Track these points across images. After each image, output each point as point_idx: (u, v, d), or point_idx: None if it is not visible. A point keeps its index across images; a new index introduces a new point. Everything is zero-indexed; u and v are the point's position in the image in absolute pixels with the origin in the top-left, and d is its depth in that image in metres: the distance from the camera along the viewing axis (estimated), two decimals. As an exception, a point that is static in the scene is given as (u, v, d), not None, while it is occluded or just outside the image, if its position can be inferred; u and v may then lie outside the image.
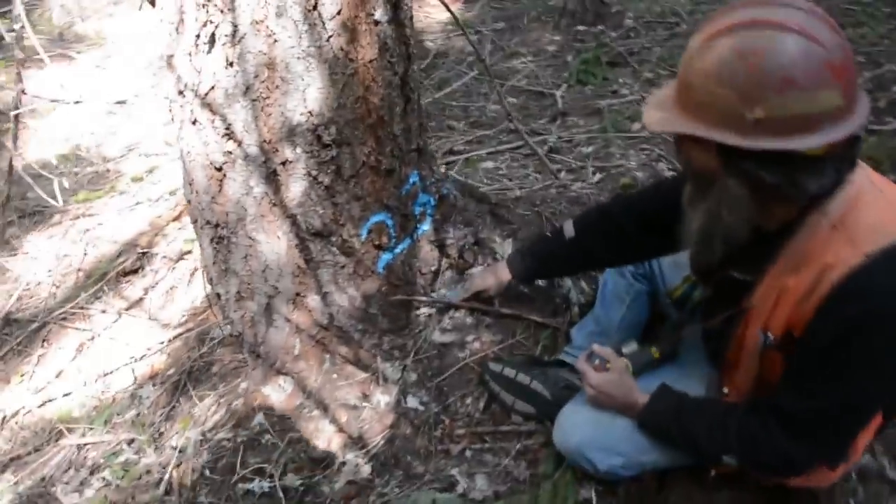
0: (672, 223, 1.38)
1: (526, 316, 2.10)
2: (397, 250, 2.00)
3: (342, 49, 1.66)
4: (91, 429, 2.49)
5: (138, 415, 2.52)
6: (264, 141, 1.75)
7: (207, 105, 1.73)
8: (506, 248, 2.30)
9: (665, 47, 4.59)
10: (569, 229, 1.87)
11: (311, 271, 1.93)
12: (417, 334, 2.06)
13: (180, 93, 1.78)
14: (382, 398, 1.97)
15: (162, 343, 2.81)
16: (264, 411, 2.04)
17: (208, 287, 2.22)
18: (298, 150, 1.76)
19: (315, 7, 1.59)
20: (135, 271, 3.30)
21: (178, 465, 2.08)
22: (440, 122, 4.27)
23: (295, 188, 1.81)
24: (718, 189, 1.21)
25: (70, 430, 2.49)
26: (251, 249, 1.93)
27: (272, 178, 1.80)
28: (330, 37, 1.63)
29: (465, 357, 2.02)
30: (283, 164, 1.78)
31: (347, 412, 1.97)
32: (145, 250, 3.36)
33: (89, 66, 5.58)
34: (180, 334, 2.81)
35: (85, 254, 3.52)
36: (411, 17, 1.85)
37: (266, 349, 2.08)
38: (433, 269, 2.12)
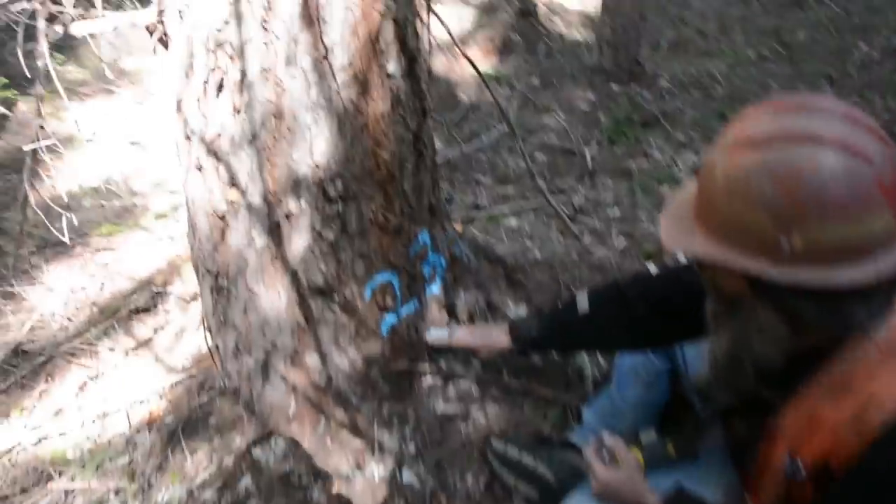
0: (696, 312, 1.22)
1: (536, 390, 1.94)
2: (403, 312, 1.87)
3: (352, 101, 1.56)
4: (82, 472, 2.39)
5: (130, 462, 2.41)
6: (268, 191, 1.65)
7: (213, 152, 1.65)
8: (519, 313, 2.16)
9: (700, 110, 4.47)
10: (583, 303, 1.69)
11: (311, 329, 1.81)
12: (419, 403, 1.91)
13: (187, 138, 1.70)
14: (377, 469, 1.82)
15: (164, 388, 2.71)
16: (253, 473, 1.90)
17: (208, 337, 2.12)
18: (303, 202, 1.65)
19: (325, 57, 1.50)
20: (147, 310, 3.22)
21: (159, 524, 1.94)
22: (467, 176, 4.18)
23: (298, 242, 1.70)
24: (747, 313, 1.05)
25: (60, 474, 2.38)
26: (251, 302, 1.82)
27: (275, 231, 1.70)
28: (340, 88, 1.54)
29: (468, 431, 1.86)
30: (287, 216, 1.68)
31: (339, 482, 1.81)
32: (160, 289, 3.29)
33: (129, 101, 5.64)
34: (183, 380, 2.70)
35: (101, 288, 3.46)
36: (428, 71, 1.76)
37: (261, 407, 1.95)
38: (441, 333, 1.99)
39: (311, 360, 1.85)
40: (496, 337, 1.83)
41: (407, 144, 1.72)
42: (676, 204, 1.14)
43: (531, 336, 1.78)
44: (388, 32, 1.55)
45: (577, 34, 6.52)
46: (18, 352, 3.11)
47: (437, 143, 4.68)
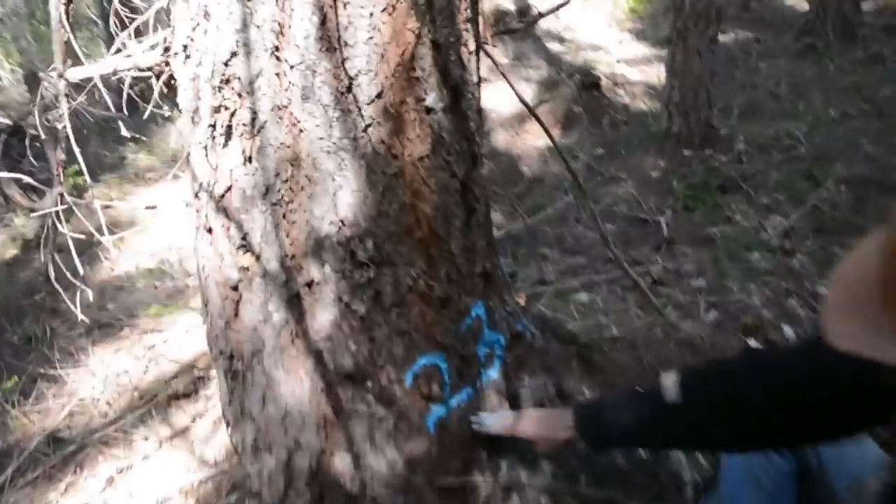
0: (838, 409, 0.88)
1: (620, 501, 1.51)
2: (453, 403, 1.49)
3: (383, 142, 1.25)
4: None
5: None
6: (286, 255, 1.34)
7: (223, 210, 1.36)
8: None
9: (782, 171, 4.02)
10: (671, 389, 1.21)
11: (341, 424, 1.45)
12: (475, 518, 1.51)
13: (196, 195, 1.42)
14: None
15: (192, 484, 2.39)
16: None
17: (228, 430, 1.80)
18: (327, 268, 1.33)
19: (350, 89, 1.20)
20: (188, 395, 2.95)
21: None
22: (531, 250, 3.83)
23: (322, 317, 1.37)
24: None
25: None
26: (269, 391, 1.48)
27: (295, 303, 1.37)
28: (368, 126, 1.23)
29: (536, 557, 1.44)
30: (309, 285, 1.35)
31: None
32: (202, 373, 3.01)
33: (194, 184, 5.61)
34: (215, 475, 2.37)
35: (144, 372, 3.22)
36: (479, 108, 1.44)
37: (282, 517, 1.58)
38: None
39: (341, 461, 1.48)
40: (560, 428, 1.36)
41: (453, 195, 1.38)
42: (842, 292, 0.75)
43: (603, 432, 1.31)
44: (426, 57, 1.24)
45: (643, 105, 6.22)
46: (54, 439, 2.88)
47: (499, 217, 4.38)
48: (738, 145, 4.46)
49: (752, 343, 2.12)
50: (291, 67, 1.19)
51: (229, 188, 1.33)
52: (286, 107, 1.22)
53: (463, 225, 1.41)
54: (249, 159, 1.28)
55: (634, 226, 3.88)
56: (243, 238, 1.36)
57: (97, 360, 3.38)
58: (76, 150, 1.64)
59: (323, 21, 1.16)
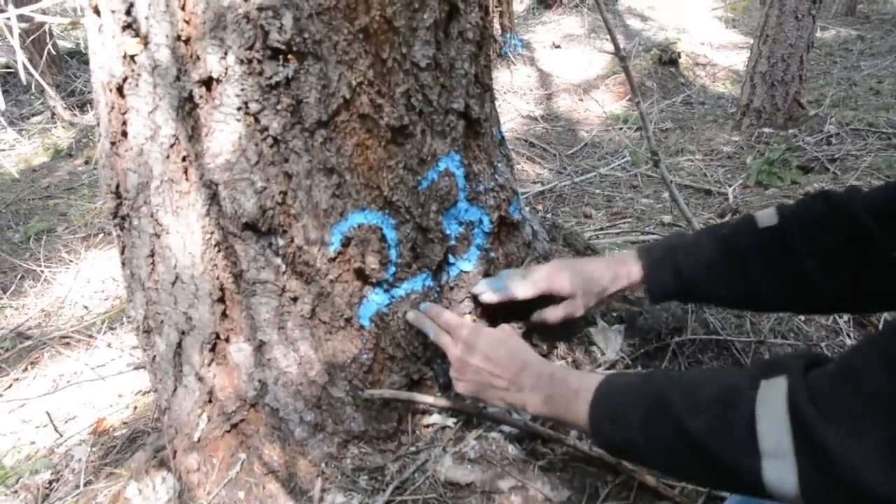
0: None
1: (623, 466, 1.02)
2: (401, 291, 1.03)
3: None
4: None
5: (51, 483, 1.71)
6: (179, 37, 0.91)
7: (106, -29, 0.94)
8: (611, 340, 1.26)
9: (881, 157, 3.38)
10: (768, 215, 0.96)
11: (242, 298, 1.02)
12: (412, 455, 1.05)
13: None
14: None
15: (137, 394, 2.03)
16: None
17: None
18: (230, 57, 0.89)
19: None
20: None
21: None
22: (575, 210, 3.32)
23: (221, 135, 0.94)
24: None
25: (-25, 486, 1.72)
26: (158, 243, 1.06)
27: (188, 112, 0.95)
28: None
29: (487, 521, 0.97)
30: (206, 84, 0.92)
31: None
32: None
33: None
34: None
35: (131, 280, 2.89)
36: None
37: (168, 419, 1.17)
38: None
39: (239, 353, 1.05)
40: (618, 269, 1.06)
41: (424, -28, 0.92)
42: None
43: (680, 269, 1.01)
44: None
45: (723, 88, 5.58)
46: (17, 335, 2.58)
47: (547, 174, 3.89)
48: (828, 128, 3.81)
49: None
50: None
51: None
52: None
53: (436, 26, 0.94)
54: None
55: (697, 197, 3.32)
56: (128, 11, 0.94)
57: (88, 264, 3.07)
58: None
59: None
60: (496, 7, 5.26)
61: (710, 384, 0.70)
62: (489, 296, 1.09)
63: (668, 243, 1.07)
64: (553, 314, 1.09)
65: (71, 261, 3.13)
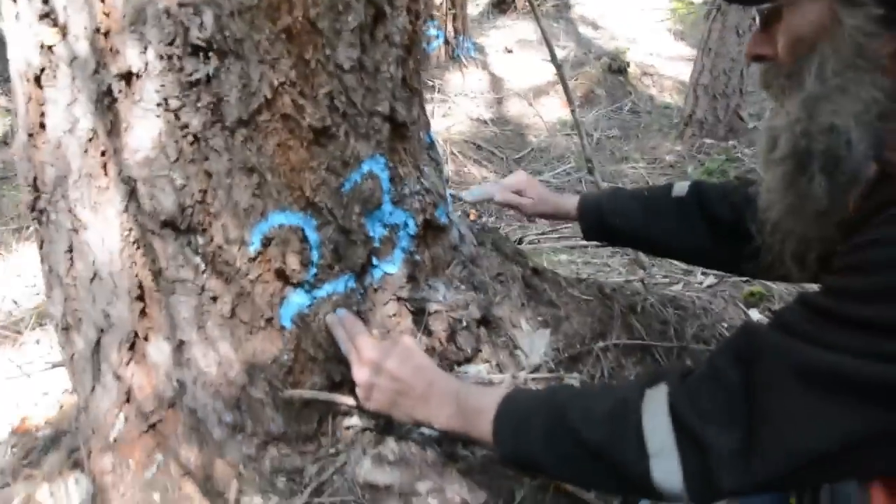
0: None
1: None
2: (322, 292, 1.03)
3: None
4: None
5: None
6: (98, 30, 0.90)
7: (22, -42, 0.92)
8: (535, 344, 1.29)
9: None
10: (682, 186, 1.25)
11: (161, 296, 1.01)
12: (331, 457, 1.05)
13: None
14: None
15: (64, 392, 1.97)
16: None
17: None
18: (150, 53, 0.88)
19: None
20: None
21: None
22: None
23: (141, 131, 0.92)
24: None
25: None
26: (76, 239, 1.04)
27: (107, 106, 0.93)
28: None
29: (403, 521, 0.98)
30: (125, 78, 0.91)
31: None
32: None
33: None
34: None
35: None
36: None
37: (86, 419, 1.14)
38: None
39: (158, 352, 1.04)
40: (562, 202, 1.40)
41: (349, -27, 0.93)
42: None
43: (602, 208, 1.31)
44: None
45: (669, 98, 5.73)
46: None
47: (492, 178, 3.93)
48: (765, 140, 3.94)
49: (754, 314, 1.66)
50: None
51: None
52: None
53: (361, 29, 0.95)
54: None
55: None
56: (45, 0, 0.92)
57: (18, 257, 2.97)
58: None
59: None
60: (450, 10, 5.29)
61: (606, 398, 0.75)
62: (469, 196, 1.42)
63: (603, 195, 1.34)
64: (504, 196, 1.39)
65: (1, 253, 3.02)
